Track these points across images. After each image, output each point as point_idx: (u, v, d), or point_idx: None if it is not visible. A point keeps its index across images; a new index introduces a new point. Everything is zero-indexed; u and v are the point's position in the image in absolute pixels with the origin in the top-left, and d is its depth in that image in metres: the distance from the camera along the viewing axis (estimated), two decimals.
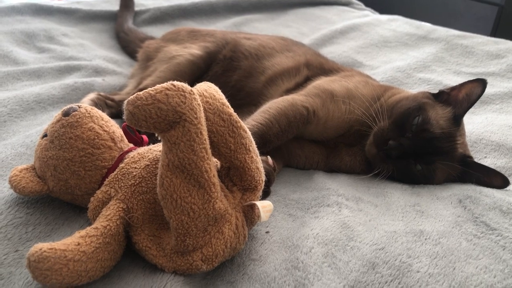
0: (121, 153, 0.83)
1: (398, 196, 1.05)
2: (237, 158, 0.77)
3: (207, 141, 0.70)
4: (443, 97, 1.19)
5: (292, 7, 2.53)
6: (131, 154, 0.83)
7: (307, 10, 2.52)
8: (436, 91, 1.22)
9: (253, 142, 0.81)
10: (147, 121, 0.66)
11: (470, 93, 1.16)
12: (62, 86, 1.40)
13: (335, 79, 1.30)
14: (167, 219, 0.71)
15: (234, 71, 1.41)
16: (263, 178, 0.83)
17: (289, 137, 1.15)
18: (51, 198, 0.89)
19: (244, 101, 1.34)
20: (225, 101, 0.77)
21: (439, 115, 1.14)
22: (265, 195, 0.96)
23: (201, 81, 1.42)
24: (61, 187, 0.82)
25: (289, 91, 1.30)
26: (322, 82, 1.28)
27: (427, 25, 2.33)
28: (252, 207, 0.79)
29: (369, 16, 2.50)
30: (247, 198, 0.80)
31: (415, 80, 1.80)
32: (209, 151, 0.71)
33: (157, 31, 2.04)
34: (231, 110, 0.77)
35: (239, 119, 0.78)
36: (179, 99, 0.67)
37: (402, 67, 1.87)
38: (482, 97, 1.68)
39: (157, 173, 0.75)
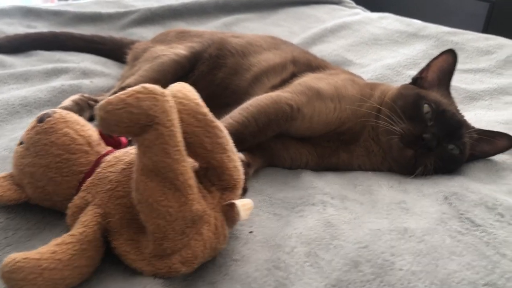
0: (97, 157, 0.83)
1: (384, 194, 1.05)
2: (214, 158, 0.77)
3: (182, 143, 0.70)
4: (419, 82, 1.25)
5: (283, 6, 2.52)
6: (107, 157, 0.82)
7: (298, 9, 2.51)
8: None
9: (230, 141, 0.80)
10: (118, 126, 0.65)
11: (443, 68, 1.24)
12: (49, 89, 1.39)
13: (321, 77, 1.30)
14: (144, 223, 0.70)
15: (220, 69, 1.40)
16: (242, 176, 0.83)
17: (269, 135, 1.14)
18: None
19: (230, 99, 1.33)
20: (199, 101, 0.76)
21: (436, 95, 1.19)
22: (242, 192, 0.95)
23: (187, 81, 1.44)
24: (39, 194, 0.82)
25: (275, 87, 1.29)
26: (308, 79, 1.28)
27: (417, 23, 2.33)
28: (232, 206, 0.78)
29: (360, 14, 2.50)
30: (226, 198, 0.79)
31: (405, 77, 1.79)
32: (184, 153, 0.70)
33: (147, 32, 2.04)
34: (206, 109, 0.77)
35: (215, 119, 0.77)
36: (150, 102, 0.66)
37: (392, 65, 1.87)
38: (471, 93, 1.70)
39: None
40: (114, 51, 1.72)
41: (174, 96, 0.74)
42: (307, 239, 0.84)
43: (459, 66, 1.89)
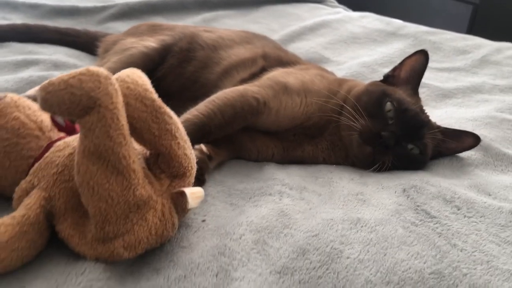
0: (48, 142, 0.82)
1: (344, 186, 1.05)
2: (162, 144, 0.76)
3: (125, 127, 0.69)
4: (390, 80, 1.26)
5: (264, 4, 2.51)
6: (58, 143, 0.81)
7: (278, 7, 2.51)
8: None
9: (181, 128, 0.80)
10: (60, 107, 0.65)
11: (414, 67, 1.24)
12: (16, 80, 1.38)
13: (291, 72, 1.30)
14: (86, 207, 0.70)
15: (190, 62, 1.40)
16: (193, 165, 0.82)
17: (235, 128, 1.14)
18: None
19: (199, 92, 1.33)
20: (148, 86, 0.76)
21: (402, 94, 1.19)
22: (199, 183, 0.95)
23: (157, 74, 1.45)
24: None
25: (243, 81, 1.30)
26: (276, 74, 1.28)
27: (397, 22, 2.34)
28: (181, 194, 0.78)
29: (341, 13, 2.51)
30: (176, 185, 0.79)
31: (380, 75, 1.77)
32: (128, 137, 0.70)
33: (125, 27, 2.00)
34: (155, 96, 0.76)
35: (164, 105, 0.77)
36: (93, 84, 0.65)
37: (368, 63, 1.88)
38: (445, 91, 1.71)
39: None
40: (88, 44, 1.71)
41: (122, 81, 0.74)
42: (258, 227, 0.84)
43: (435, 64, 1.92)
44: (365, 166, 1.15)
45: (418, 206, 0.96)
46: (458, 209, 0.97)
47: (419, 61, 1.24)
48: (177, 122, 0.79)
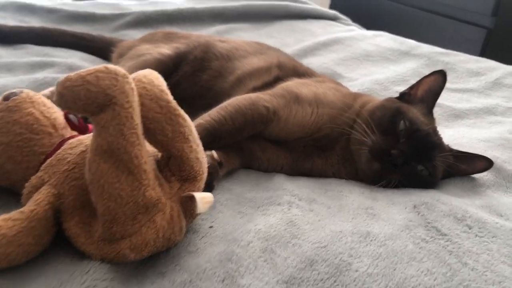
0: (61, 140, 0.82)
1: (354, 199, 1.04)
2: (174, 146, 0.76)
3: (139, 127, 0.69)
4: (406, 98, 1.24)
5: (279, 19, 2.53)
6: (70, 140, 0.81)
7: (293, 22, 2.53)
8: None
9: (194, 132, 0.80)
10: (75, 103, 0.65)
11: (431, 87, 1.22)
12: (31, 80, 1.40)
13: (306, 82, 1.30)
14: (94, 205, 0.69)
15: (204, 71, 1.41)
16: (204, 169, 0.82)
17: (244, 135, 1.14)
18: None
19: (213, 100, 1.33)
20: (164, 87, 0.76)
21: (417, 113, 1.17)
22: (208, 189, 0.94)
23: (170, 81, 1.45)
24: None
25: (256, 89, 1.30)
26: (291, 84, 1.28)
27: (411, 42, 2.34)
28: (190, 198, 0.77)
29: (355, 31, 2.52)
30: (185, 189, 0.78)
31: (392, 92, 1.79)
32: (141, 137, 0.70)
33: (140, 35, 2.01)
34: (170, 97, 0.76)
35: (179, 108, 0.77)
36: (110, 82, 0.66)
37: (381, 80, 1.87)
38: (457, 111, 1.70)
39: None
40: (103, 49, 1.73)
41: (139, 81, 0.74)
42: (266, 235, 0.82)
43: (448, 85, 1.88)
44: (372, 182, 1.14)
45: (428, 223, 0.95)
46: (470, 228, 0.95)
47: (437, 81, 1.23)
48: (191, 125, 0.79)
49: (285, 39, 2.30)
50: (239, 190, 1.05)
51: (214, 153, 1.02)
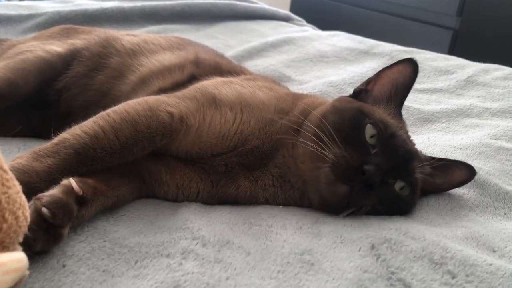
0: None
1: (286, 239, 0.72)
2: None
3: None
4: (361, 95, 0.97)
5: (223, 19, 2.24)
6: None
7: (240, 23, 2.24)
8: None
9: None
10: None
11: (396, 81, 0.95)
12: None
13: (229, 81, 0.99)
14: None
15: (101, 70, 1.10)
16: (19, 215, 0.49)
17: (137, 154, 0.82)
18: None
19: (109, 108, 1.01)
20: None
21: (383, 114, 0.92)
22: (54, 239, 0.62)
23: (59, 84, 1.13)
24: None
25: (163, 91, 0.98)
26: (208, 83, 0.97)
27: (370, 41, 2.08)
28: None
29: (309, 31, 2.25)
30: None
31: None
32: None
33: None
34: None
35: None
36: None
37: (336, 82, 1.59)
38: (426, 114, 1.42)
39: None
40: None
41: None
42: None
43: (414, 85, 1.65)
44: (334, 211, 0.83)
45: (392, 273, 0.64)
46: (453, 277, 0.65)
47: (404, 73, 0.95)
48: None
49: (228, 40, 2.01)
50: (121, 233, 0.72)
51: (72, 182, 0.69)
